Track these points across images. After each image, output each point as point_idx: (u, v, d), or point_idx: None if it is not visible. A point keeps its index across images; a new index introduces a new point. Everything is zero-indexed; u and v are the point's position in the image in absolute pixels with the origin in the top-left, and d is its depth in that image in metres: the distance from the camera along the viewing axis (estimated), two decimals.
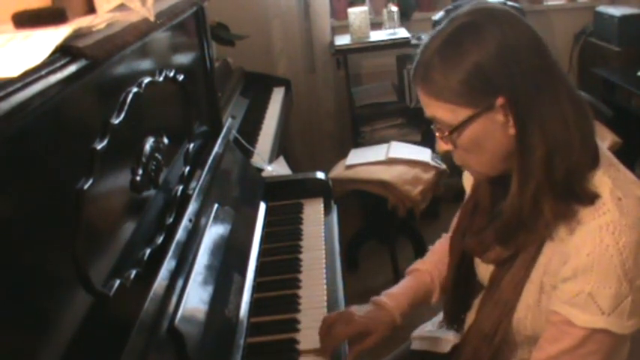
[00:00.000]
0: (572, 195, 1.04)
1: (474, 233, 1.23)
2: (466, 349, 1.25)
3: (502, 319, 1.16)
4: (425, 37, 1.13)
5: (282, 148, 2.73)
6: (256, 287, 1.48)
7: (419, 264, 1.46)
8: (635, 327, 1.03)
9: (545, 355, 1.09)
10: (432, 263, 1.44)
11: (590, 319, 1.03)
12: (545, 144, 1.03)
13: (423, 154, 2.95)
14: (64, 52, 0.87)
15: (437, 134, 1.11)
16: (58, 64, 0.84)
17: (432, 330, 1.49)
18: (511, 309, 1.15)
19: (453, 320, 1.40)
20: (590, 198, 1.04)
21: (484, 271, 1.26)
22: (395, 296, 1.37)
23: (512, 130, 1.04)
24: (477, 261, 1.29)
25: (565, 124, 1.04)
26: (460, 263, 1.31)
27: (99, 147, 0.98)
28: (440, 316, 1.48)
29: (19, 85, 0.75)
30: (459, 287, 1.35)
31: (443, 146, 1.11)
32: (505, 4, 3.34)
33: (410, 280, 1.43)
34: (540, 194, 1.05)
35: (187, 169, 1.46)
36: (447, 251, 1.37)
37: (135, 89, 1.16)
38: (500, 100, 1.02)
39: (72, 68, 0.86)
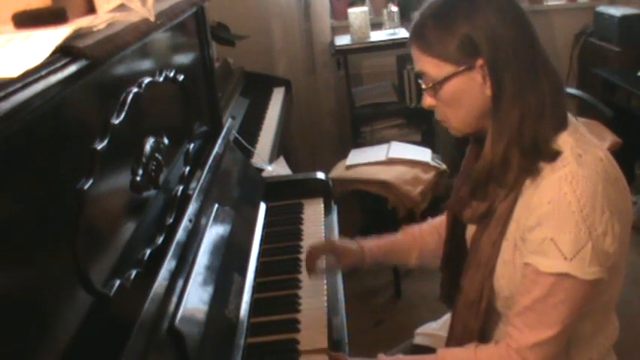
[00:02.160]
0: (537, 152, 1.15)
1: (455, 193, 1.34)
2: (456, 326, 1.31)
3: (484, 282, 1.23)
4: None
5: (282, 148, 2.73)
6: (256, 287, 1.48)
7: (412, 226, 1.58)
8: (597, 275, 1.10)
9: (520, 306, 1.16)
10: (422, 229, 1.55)
11: (554, 264, 1.10)
12: (519, 108, 1.15)
13: (423, 154, 2.95)
14: (65, 52, 0.87)
15: (423, 86, 1.23)
16: (58, 65, 0.84)
17: (436, 328, 1.52)
18: (491, 270, 1.22)
19: (447, 296, 1.43)
20: (553, 155, 1.14)
21: (470, 238, 1.33)
22: (375, 242, 1.54)
23: (488, 91, 1.16)
24: (468, 234, 1.34)
25: (539, 93, 1.16)
26: (452, 229, 1.40)
27: (99, 147, 0.98)
28: (445, 317, 1.49)
29: (19, 85, 0.75)
30: (451, 256, 1.41)
31: (427, 100, 1.23)
32: None
33: (395, 235, 1.57)
34: (510, 150, 1.16)
35: (187, 169, 1.46)
36: (441, 225, 1.47)
37: (135, 89, 1.16)
38: (480, 62, 1.14)
39: (72, 68, 0.86)
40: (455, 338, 1.32)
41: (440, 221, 1.51)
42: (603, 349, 1.28)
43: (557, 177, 1.11)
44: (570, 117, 1.21)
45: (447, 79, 1.17)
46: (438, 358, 1.25)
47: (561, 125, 1.17)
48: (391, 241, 1.55)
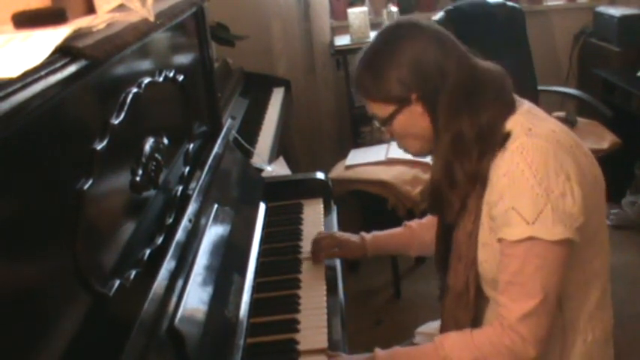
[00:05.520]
0: (484, 151, 1.23)
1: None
2: (448, 323, 1.35)
3: (468, 272, 1.29)
4: None
5: (281, 148, 2.73)
6: (256, 287, 1.48)
7: (413, 221, 1.69)
8: (563, 235, 1.15)
9: (502, 284, 1.21)
10: (421, 224, 1.65)
11: (519, 231, 1.16)
12: (451, 132, 1.25)
13: None
14: (64, 52, 0.87)
15: (375, 126, 1.38)
16: (57, 65, 0.84)
17: (437, 328, 1.52)
18: (473, 259, 1.28)
19: (443, 294, 1.45)
20: (504, 139, 1.22)
21: None
22: (376, 237, 1.66)
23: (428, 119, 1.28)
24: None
25: (473, 109, 1.24)
26: (440, 230, 1.44)
27: (99, 147, 0.98)
28: None
29: (18, 85, 0.75)
30: (442, 257, 1.43)
31: (386, 136, 1.38)
32: (505, 4, 3.35)
33: (396, 230, 1.68)
34: (451, 165, 1.26)
35: (187, 169, 1.46)
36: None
37: (135, 89, 1.16)
38: (414, 96, 1.26)
39: (72, 69, 0.86)
40: None
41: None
42: (598, 331, 1.29)
43: (510, 151, 1.19)
44: (523, 101, 1.30)
45: (391, 116, 1.30)
46: (436, 345, 1.26)
47: (508, 111, 1.25)
48: (391, 234, 1.67)
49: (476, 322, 1.31)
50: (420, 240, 1.61)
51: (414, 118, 1.28)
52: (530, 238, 1.15)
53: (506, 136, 1.22)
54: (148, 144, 1.22)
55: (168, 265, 1.15)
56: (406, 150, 1.38)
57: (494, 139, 1.22)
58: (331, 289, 1.52)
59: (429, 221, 1.60)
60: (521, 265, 1.17)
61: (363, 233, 1.66)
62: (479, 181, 1.24)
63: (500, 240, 1.20)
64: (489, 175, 1.23)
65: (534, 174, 1.15)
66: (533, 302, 1.16)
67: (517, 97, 1.30)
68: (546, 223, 1.14)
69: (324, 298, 1.46)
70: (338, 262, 1.66)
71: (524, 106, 1.28)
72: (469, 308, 1.30)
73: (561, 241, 1.15)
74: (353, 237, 1.66)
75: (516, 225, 1.16)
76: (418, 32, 1.28)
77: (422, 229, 1.62)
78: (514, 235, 1.17)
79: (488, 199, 1.23)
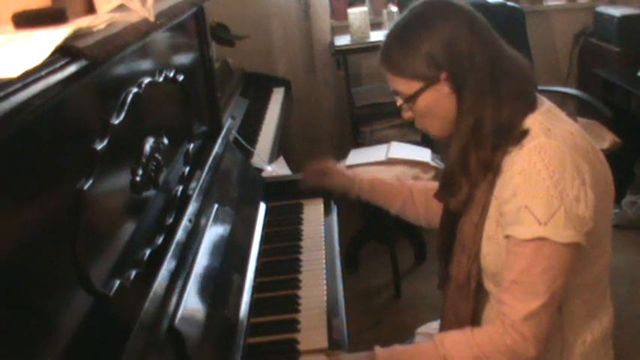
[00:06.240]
0: (500, 144, 1.23)
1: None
2: (448, 314, 1.36)
3: (471, 264, 1.29)
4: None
5: (282, 148, 2.73)
6: (256, 287, 1.49)
7: (408, 179, 1.70)
8: (573, 238, 1.15)
9: (507, 282, 1.20)
10: (414, 185, 1.63)
11: (530, 230, 1.15)
12: (474, 116, 1.24)
13: (423, 154, 2.94)
14: (64, 52, 0.87)
15: (397, 104, 1.34)
16: (58, 65, 0.84)
17: (437, 328, 1.51)
18: (477, 251, 1.28)
19: (443, 283, 1.46)
20: (521, 136, 1.21)
21: None
22: (368, 177, 1.67)
23: (455, 100, 1.26)
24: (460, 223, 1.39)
25: (497, 97, 1.23)
26: (445, 218, 1.44)
27: (99, 147, 0.98)
28: None
29: (19, 85, 0.75)
30: (444, 245, 1.43)
31: (406, 114, 1.34)
32: (505, 4, 3.35)
33: (391, 182, 1.67)
34: (467, 150, 1.26)
35: (187, 169, 1.46)
36: (433, 190, 1.51)
37: (135, 89, 1.16)
38: (444, 75, 1.24)
39: (72, 69, 0.86)
40: (447, 328, 1.34)
41: (433, 186, 1.56)
42: (597, 332, 1.30)
43: (527, 149, 1.19)
44: (543, 99, 1.29)
45: (417, 94, 1.27)
46: (436, 343, 1.26)
47: (529, 108, 1.24)
48: (383, 181, 1.66)
49: (475, 314, 1.31)
50: (408, 201, 1.61)
51: (440, 98, 1.26)
52: (541, 239, 1.15)
53: (524, 134, 1.21)
54: (148, 144, 1.22)
55: (168, 265, 1.15)
56: (425, 130, 1.37)
57: (511, 136, 1.22)
58: (331, 289, 1.52)
59: (424, 187, 1.60)
60: (529, 264, 1.16)
61: (358, 172, 1.68)
62: (491, 171, 1.24)
63: (508, 237, 1.20)
64: (503, 169, 1.23)
65: (551, 175, 1.14)
66: (538, 303, 1.16)
67: (539, 95, 1.29)
68: (558, 224, 1.14)
69: (324, 298, 1.46)
70: (338, 263, 1.66)
71: (545, 105, 1.27)
72: (470, 300, 1.30)
73: (570, 244, 1.15)
74: (346, 172, 1.69)
75: (528, 224, 1.15)
76: (453, 11, 1.26)
77: (413, 192, 1.61)
78: (524, 234, 1.16)
79: (499, 194, 1.23)
